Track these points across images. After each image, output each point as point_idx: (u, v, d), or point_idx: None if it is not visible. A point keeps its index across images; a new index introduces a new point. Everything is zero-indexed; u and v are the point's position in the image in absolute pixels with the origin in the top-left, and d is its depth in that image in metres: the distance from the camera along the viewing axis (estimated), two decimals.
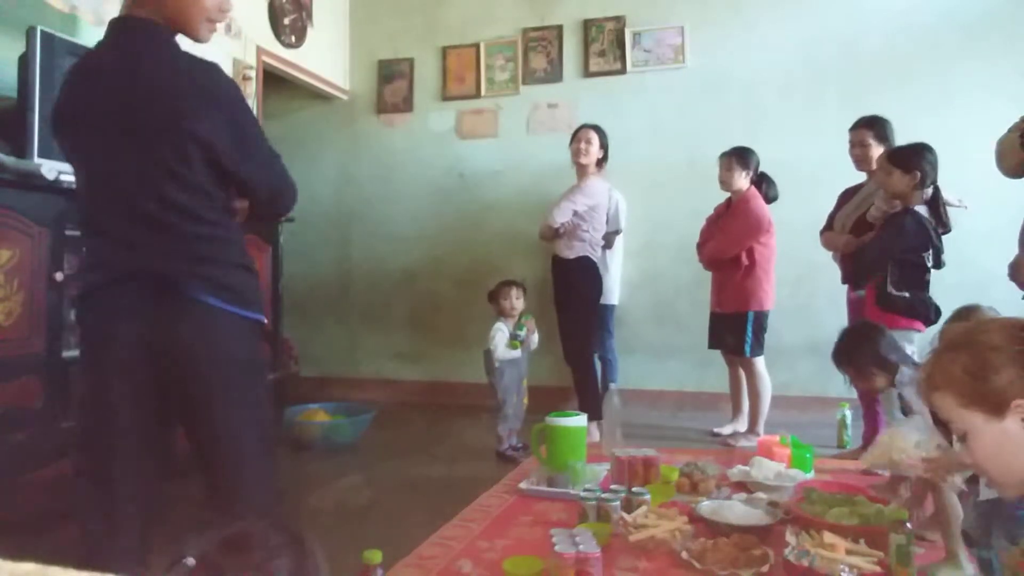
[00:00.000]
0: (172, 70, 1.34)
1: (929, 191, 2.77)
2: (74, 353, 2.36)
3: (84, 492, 1.32)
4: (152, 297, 1.32)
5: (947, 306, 2.52)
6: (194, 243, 1.36)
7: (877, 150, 3.05)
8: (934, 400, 1.20)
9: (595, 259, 3.53)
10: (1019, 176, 2.21)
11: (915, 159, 2.73)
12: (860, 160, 3.13)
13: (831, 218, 3.26)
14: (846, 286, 3.22)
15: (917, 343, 2.63)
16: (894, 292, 2.74)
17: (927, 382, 1.20)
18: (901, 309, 2.73)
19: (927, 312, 2.72)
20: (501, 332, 3.30)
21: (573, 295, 3.52)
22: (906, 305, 2.73)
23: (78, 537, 1.32)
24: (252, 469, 1.40)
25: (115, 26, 1.38)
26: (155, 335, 1.31)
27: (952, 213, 2.93)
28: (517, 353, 3.30)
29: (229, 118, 1.35)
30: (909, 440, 1.79)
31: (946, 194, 2.94)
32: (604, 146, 3.56)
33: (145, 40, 1.35)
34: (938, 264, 2.77)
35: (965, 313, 1.90)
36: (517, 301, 3.35)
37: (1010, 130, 2.21)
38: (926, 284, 2.77)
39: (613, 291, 4.09)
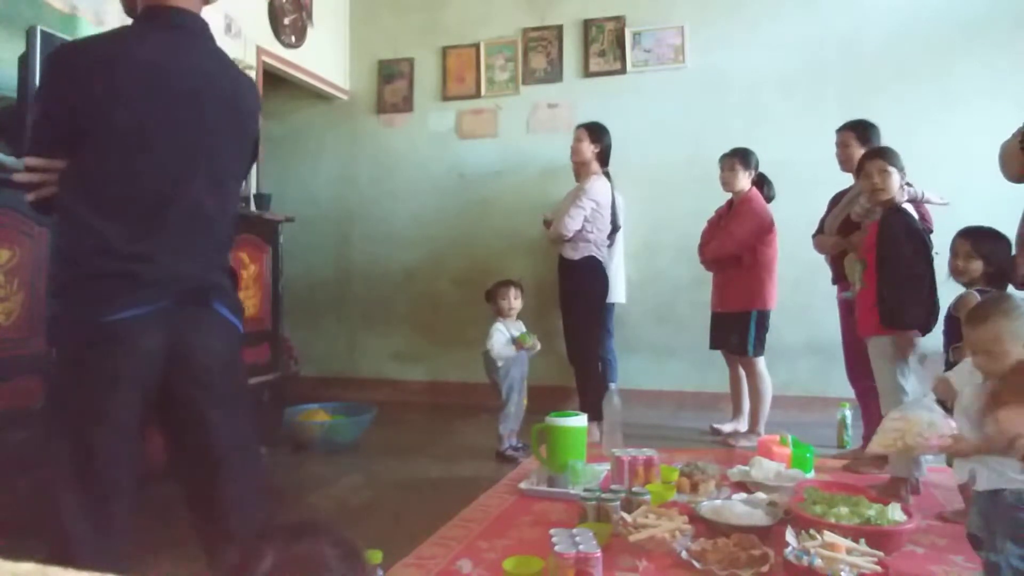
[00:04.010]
0: (242, 75, 1.45)
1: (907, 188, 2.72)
2: None
3: (71, 494, 1.26)
4: (181, 306, 1.30)
5: (946, 306, 2.53)
6: (226, 251, 1.42)
7: (859, 152, 3.05)
8: (1006, 416, 1.16)
9: (600, 259, 3.53)
10: (1022, 182, 2.20)
11: (898, 158, 2.67)
12: (843, 161, 3.15)
13: (822, 222, 3.27)
14: (836, 287, 3.23)
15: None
16: (894, 309, 2.57)
17: (995, 400, 1.16)
18: (896, 322, 2.57)
19: (924, 320, 2.55)
20: (500, 332, 3.30)
21: (579, 295, 3.52)
22: (900, 315, 2.57)
23: (50, 539, 1.26)
24: (247, 478, 1.39)
25: (181, 22, 1.34)
26: (176, 345, 1.30)
27: (943, 212, 2.92)
28: (512, 351, 3.30)
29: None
30: (922, 421, 1.70)
31: (928, 192, 2.94)
32: (602, 143, 3.57)
33: (214, 41, 1.41)
34: (929, 262, 2.61)
35: (997, 302, 1.81)
36: (515, 301, 3.35)
37: (1013, 136, 2.20)
38: (922, 287, 2.59)
39: (614, 290, 4.09)
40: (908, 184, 2.86)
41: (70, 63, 1.29)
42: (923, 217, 2.85)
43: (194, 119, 1.32)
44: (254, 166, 1.53)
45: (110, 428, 1.26)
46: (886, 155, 2.68)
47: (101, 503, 1.26)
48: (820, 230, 3.28)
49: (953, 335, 2.38)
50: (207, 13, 1.42)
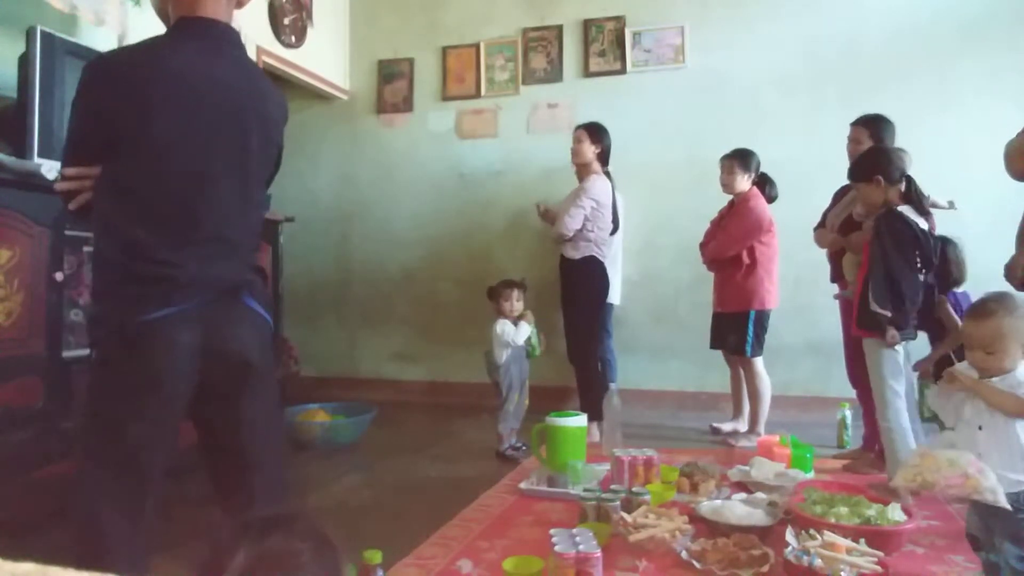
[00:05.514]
0: (272, 87, 1.48)
1: (902, 186, 2.63)
2: (74, 353, 2.36)
3: (107, 490, 1.29)
4: (214, 302, 1.34)
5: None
6: (252, 250, 1.47)
7: None
8: None
9: (601, 258, 3.53)
10: None
11: (868, 165, 2.65)
12: (853, 156, 3.13)
13: (825, 215, 3.27)
14: (835, 284, 3.23)
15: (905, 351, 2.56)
16: (877, 309, 2.52)
17: None
18: (880, 327, 2.52)
19: (902, 324, 2.50)
20: (507, 324, 3.29)
21: (579, 294, 3.53)
22: (871, 318, 2.53)
23: (81, 534, 1.30)
24: (274, 468, 1.44)
25: (214, 32, 1.37)
26: (211, 339, 1.33)
27: (945, 214, 2.91)
28: (526, 331, 3.29)
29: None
30: (941, 459, 1.64)
31: (934, 196, 2.92)
32: (602, 144, 3.57)
33: (245, 52, 1.45)
34: (928, 265, 2.55)
35: (1002, 299, 1.78)
36: (517, 303, 3.35)
37: (1018, 135, 2.20)
38: (915, 292, 2.51)
39: (613, 291, 4.09)
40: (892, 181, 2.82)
41: (105, 74, 1.32)
42: (922, 211, 2.81)
43: (224, 129, 1.35)
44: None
45: (151, 425, 1.30)
46: (865, 173, 2.64)
47: (136, 497, 1.30)
48: (822, 224, 3.28)
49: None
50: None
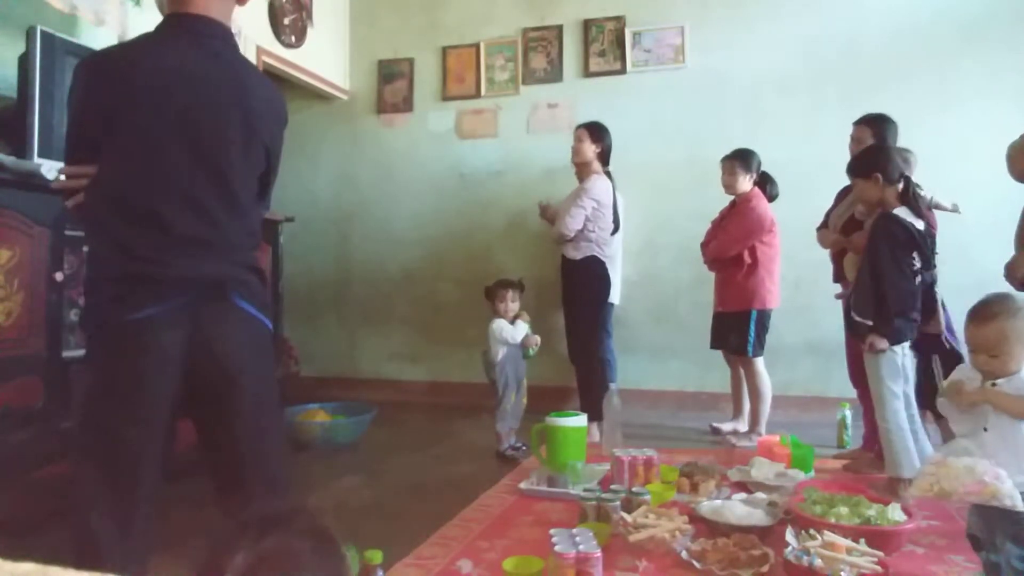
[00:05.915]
0: (262, 83, 1.46)
1: (900, 186, 2.62)
2: (74, 353, 2.36)
3: (95, 491, 1.28)
4: (200, 302, 1.33)
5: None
6: (245, 250, 1.43)
7: None
8: None
9: (603, 258, 3.53)
10: None
11: (868, 162, 2.64)
12: None
13: (827, 215, 3.27)
14: (838, 284, 3.22)
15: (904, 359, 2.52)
16: (858, 319, 2.54)
17: None
18: (862, 335, 2.54)
19: (894, 335, 2.48)
20: (504, 322, 3.29)
21: (581, 294, 3.53)
22: (866, 331, 2.52)
23: (74, 535, 1.29)
24: (272, 466, 1.43)
25: (202, 29, 1.37)
26: (197, 339, 1.32)
27: (944, 213, 2.90)
28: (524, 329, 3.29)
29: (282, 139, 1.51)
30: (958, 466, 1.63)
31: (938, 198, 2.91)
32: (603, 143, 3.57)
33: (234, 49, 1.44)
34: (928, 264, 2.53)
35: (1003, 300, 1.77)
36: (513, 304, 3.35)
37: (1022, 136, 2.20)
38: (905, 302, 2.49)
39: (613, 291, 4.09)
40: (917, 186, 2.83)
41: (95, 70, 1.33)
42: (928, 223, 2.82)
43: (202, 125, 1.34)
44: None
45: (136, 426, 1.29)
46: (864, 169, 2.63)
47: (128, 497, 1.28)
48: (825, 224, 3.28)
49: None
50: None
